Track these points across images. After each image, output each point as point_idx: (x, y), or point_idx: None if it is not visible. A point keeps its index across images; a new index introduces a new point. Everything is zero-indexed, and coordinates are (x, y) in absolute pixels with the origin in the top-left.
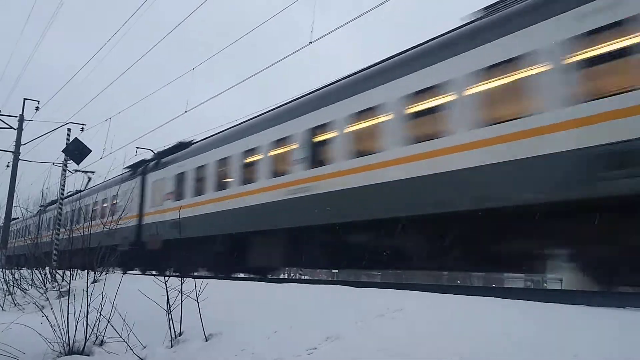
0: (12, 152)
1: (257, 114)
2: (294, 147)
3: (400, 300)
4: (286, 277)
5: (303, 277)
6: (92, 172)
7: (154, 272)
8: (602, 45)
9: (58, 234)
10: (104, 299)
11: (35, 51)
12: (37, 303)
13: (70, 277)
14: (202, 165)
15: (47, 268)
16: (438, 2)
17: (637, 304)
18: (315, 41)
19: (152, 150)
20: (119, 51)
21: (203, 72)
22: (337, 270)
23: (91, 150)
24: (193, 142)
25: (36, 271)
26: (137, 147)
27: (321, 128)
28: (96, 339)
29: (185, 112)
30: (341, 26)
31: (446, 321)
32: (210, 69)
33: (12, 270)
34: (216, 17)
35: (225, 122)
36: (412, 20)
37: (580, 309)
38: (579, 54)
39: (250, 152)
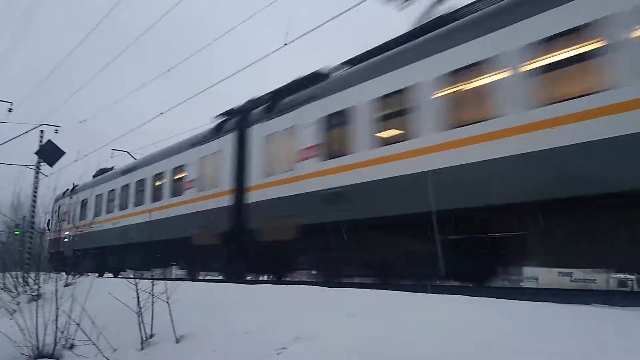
0: None
1: None
2: None
3: (372, 300)
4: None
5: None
6: None
7: None
8: None
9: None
10: (74, 302)
11: (9, 51)
12: (7, 307)
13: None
14: None
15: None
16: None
17: (601, 301)
18: (290, 43)
19: (128, 152)
20: (93, 52)
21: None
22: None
23: (65, 152)
24: None
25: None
26: (113, 149)
27: None
28: (66, 342)
29: (161, 113)
30: (315, 28)
31: (418, 320)
32: (184, 71)
33: None
34: (193, 18)
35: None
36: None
37: (550, 306)
38: None
39: None
